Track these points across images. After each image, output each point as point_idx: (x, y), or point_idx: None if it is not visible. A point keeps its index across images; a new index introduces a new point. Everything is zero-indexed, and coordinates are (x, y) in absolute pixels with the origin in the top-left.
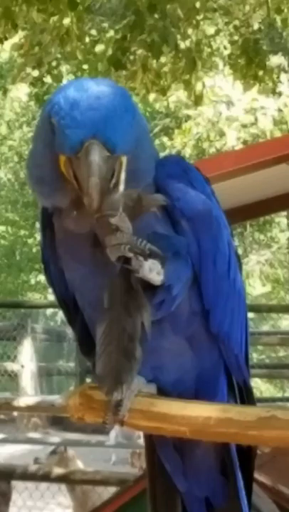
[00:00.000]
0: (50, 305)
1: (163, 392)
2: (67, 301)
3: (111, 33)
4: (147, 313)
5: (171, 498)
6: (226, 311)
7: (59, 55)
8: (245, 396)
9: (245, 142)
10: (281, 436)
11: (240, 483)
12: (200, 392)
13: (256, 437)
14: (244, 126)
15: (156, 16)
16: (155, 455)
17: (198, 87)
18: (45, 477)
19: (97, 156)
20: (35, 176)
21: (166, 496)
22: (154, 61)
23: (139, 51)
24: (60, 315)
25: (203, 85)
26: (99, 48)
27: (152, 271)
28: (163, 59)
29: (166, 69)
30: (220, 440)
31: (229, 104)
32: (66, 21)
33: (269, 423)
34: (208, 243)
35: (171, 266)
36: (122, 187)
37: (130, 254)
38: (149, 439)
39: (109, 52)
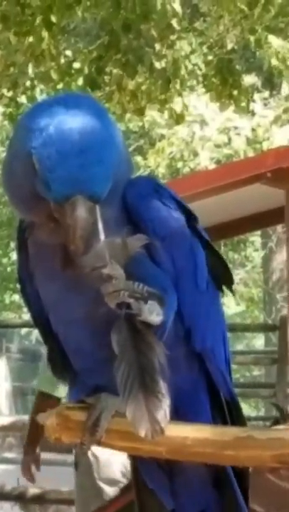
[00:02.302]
0: (25, 324)
1: None
2: (43, 321)
3: (86, 53)
4: (160, 349)
5: None
6: (208, 327)
7: (33, 76)
8: (234, 413)
9: (218, 162)
10: (258, 457)
11: (238, 493)
12: (180, 411)
13: (233, 457)
14: (217, 146)
15: (130, 36)
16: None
17: (178, 105)
18: (21, 497)
19: (83, 211)
20: (9, 188)
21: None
22: (130, 81)
23: (115, 71)
24: (35, 334)
25: (184, 104)
26: (75, 66)
27: (152, 312)
28: (138, 79)
29: (142, 88)
30: (197, 460)
31: (203, 123)
32: (41, 41)
33: (246, 443)
34: (183, 261)
35: (164, 298)
36: (102, 236)
37: (130, 300)
38: (133, 458)
39: (85, 71)
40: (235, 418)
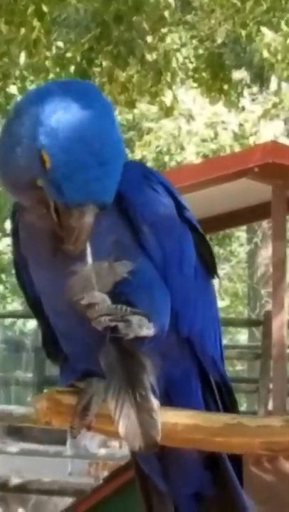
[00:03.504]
0: (9, 315)
1: None
2: (36, 304)
3: (77, 44)
4: (150, 366)
5: (161, 493)
6: (196, 311)
7: (24, 67)
8: (226, 397)
9: (204, 156)
10: (247, 444)
11: (232, 473)
12: (172, 397)
13: (223, 444)
14: (204, 140)
15: (122, 27)
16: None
17: (169, 98)
18: (3, 487)
19: (91, 218)
20: (2, 169)
21: (156, 492)
22: (121, 73)
23: (105, 63)
24: (19, 325)
25: (174, 97)
26: (66, 57)
27: (142, 327)
28: (130, 71)
29: (133, 80)
30: (187, 446)
31: (190, 118)
32: (33, 32)
33: (235, 430)
34: (171, 247)
35: (156, 306)
36: (90, 259)
37: (113, 324)
38: None
39: (76, 62)
40: (228, 403)
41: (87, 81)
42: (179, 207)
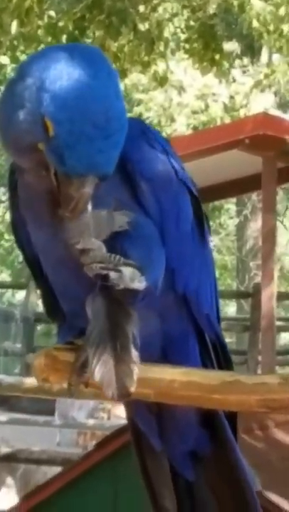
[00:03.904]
0: None
1: None
2: (35, 263)
3: (69, 13)
4: (136, 319)
5: (156, 453)
6: (192, 270)
7: (15, 36)
8: (221, 356)
9: (195, 128)
10: (244, 401)
11: (228, 431)
12: (169, 355)
13: (220, 401)
14: (194, 112)
15: None
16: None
17: (162, 68)
18: None
19: (91, 188)
20: (2, 128)
21: (151, 452)
22: (113, 42)
23: (98, 32)
24: (8, 296)
25: (167, 66)
26: (59, 26)
27: (134, 280)
28: (121, 40)
29: (125, 50)
30: (184, 403)
31: (180, 90)
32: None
33: (233, 387)
34: (169, 203)
35: (150, 261)
36: (90, 206)
37: (104, 272)
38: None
39: (68, 31)
40: (223, 361)
41: (94, 47)
42: (175, 167)
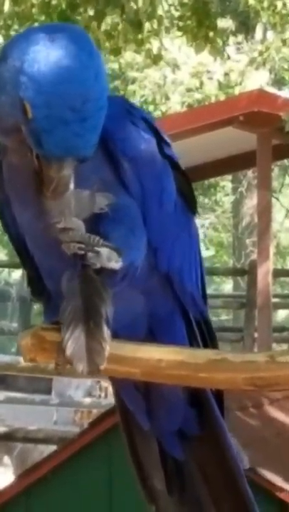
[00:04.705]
0: None
1: (116, 335)
2: (20, 244)
3: None
4: (110, 299)
5: (145, 433)
6: (175, 249)
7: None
8: (206, 333)
9: (189, 106)
10: (231, 379)
11: (216, 410)
12: (156, 334)
13: (207, 379)
14: (189, 90)
15: None
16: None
17: (156, 46)
18: None
19: (69, 170)
20: None
21: (140, 432)
22: (98, 25)
23: (89, 11)
24: (4, 275)
25: (161, 43)
26: (52, 4)
27: (111, 260)
28: (112, 20)
29: (118, 28)
30: (171, 382)
31: (175, 67)
32: None
33: (220, 365)
34: (151, 182)
35: (129, 242)
36: (71, 185)
37: (81, 252)
38: (112, 379)
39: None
40: (209, 340)
41: (77, 26)
42: (161, 143)
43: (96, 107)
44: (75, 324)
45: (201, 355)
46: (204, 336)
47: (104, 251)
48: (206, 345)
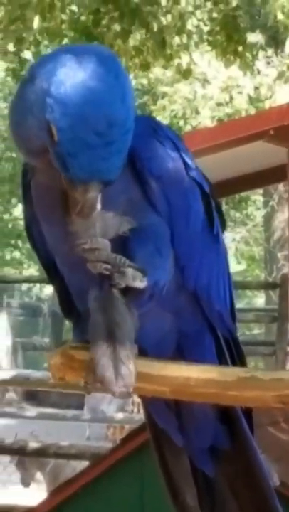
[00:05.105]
0: (26, 280)
1: (144, 353)
2: (49, 263)
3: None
4: (134, 319)
5: (176, 450)
6: (202, 267)
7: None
8: (234, 352)
9: (219, 120)
10: (260, 397)
11: (246, 427)
12: (184, 352)
13: (236, 397)
14: (219, 104)
15: None
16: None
17: (185, 60)
18: (21, 451)
19: (95, 194)
20: (14, 127)
21: (171, 449)
22: (123, 42)
23: (113, 27)
24: (36, 290)
25: (191, 59)
26: (81, 21)
27: (135, 279)
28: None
29: (147, 43)
30: (200, 400)
31: (205, 82)
32: None
33: (249, 383)
34: (179, 201)
35: (155, 262)
36: (98, 205)
37: (107, 273)
38: (143, 397)
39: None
40: (237, 358)
41: (105, 48)
42: (185, 163)
43: (121, 131)
44: (102, 344)
45: (230, 373)
46: (233, 353)
47: (129, 271)
48: (234, 363)
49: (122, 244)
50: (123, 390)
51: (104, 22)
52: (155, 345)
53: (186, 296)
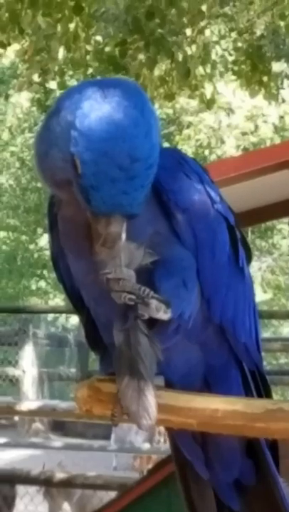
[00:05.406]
0: (52, 310)
1: (170, 384)
2: (75, 296)
3: (115, 38)
4: (157, 352)
5: (201, 483)
6: (228, 299)
7: (63, 61)
8: (261, 384)
9: (245, 150)
10: (287, 429)
11: (271, 462)
12: (211, 384)
13: (263, 429)
14: (244, 133)
15: (157, 20)
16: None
17: (209, 90)
18: (47, 481)
19: (117, 227)
20: (40, 160)
21: (196, 482)
22: (150, 71)
23: (140, 57)
24: (62, 320)
25: (215, 88)
26: (105, 51)
27: (159, 310)
28: (162, 67)
29: (172, 74)
30: (228, 432)
31: (229, 111)
32: (72, 26)
33: (276, 415)
34: (205, 233)
35: (179, 294)
36: (123, 236)
37: (131, 303)
38: (169, 429)
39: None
40: (263, 390)
41: (131, 81)
42: (211, 196)
43: (144, 166)
44: (126, 376)
45: (258, 404)
46: (258, 385)
47: (153, 302)
48: (260, 395)
49: (147, 276)
50: (149, 422)
51: (130, 52)
52: (182, 377)
53: (211, 329)
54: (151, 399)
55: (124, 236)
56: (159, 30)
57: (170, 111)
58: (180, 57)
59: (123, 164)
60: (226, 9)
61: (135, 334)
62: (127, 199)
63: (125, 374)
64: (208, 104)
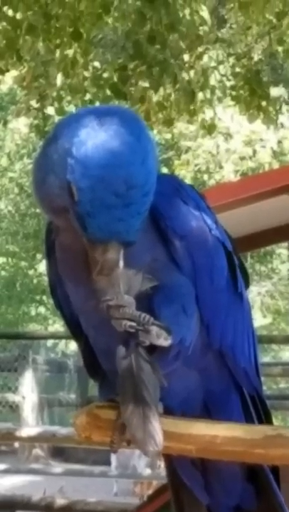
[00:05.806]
0: (51, 336)
1: (169, 411)
2: (74, 323)
3: (113, 63)
4: (159, 378)
5: (196, 508)
6: (227, 325)
7: (61, 87)
8: (260, 409)
9: (243, 174)
10: (287, 455)
11: (275, 486)
12: (210, 410)
13: (263, 456)
14: (242, 158)
15: (157, 46)
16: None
17: (209, 115)
18: (48, 508)
19: (114, 254)
20: (37, 187)
21: (192, 507)
22: (158, 92)
23: (140, 82)
24: (61, 346)
25: (215, 114)
26: (104, 77)
27: (160, 337)
28: (167, 90)
29: (170, 99)
30: (227, 458)
31: (228, 136)
32: (70, 52)
33: (275, 441)
34: (203, 260)
35: (179, 320)
36: (121, 263)
37: (132, 330)
38: (167, 455)
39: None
40: (263, 415)
41: (128, 109)
42: (208, 223)
43: (141, 193)
44: (131, 403)
45: (257, 430)
46: (258, 410)
47: (153, 329)
48: (260, 420)
49: (147, 303)
50: (155, 448)
51: (131, 79)
52: (181, 403)
53: (211, 354)
54: (156, 425)
55: (121, 263)
56: (161, 55)
57: (168, 136)
58: (184, 80)
59: (119, 191)
60: (223, 31)
61: (137, 361)
62: (124, 226)
63: (130, 401)
64: (209, 129)
